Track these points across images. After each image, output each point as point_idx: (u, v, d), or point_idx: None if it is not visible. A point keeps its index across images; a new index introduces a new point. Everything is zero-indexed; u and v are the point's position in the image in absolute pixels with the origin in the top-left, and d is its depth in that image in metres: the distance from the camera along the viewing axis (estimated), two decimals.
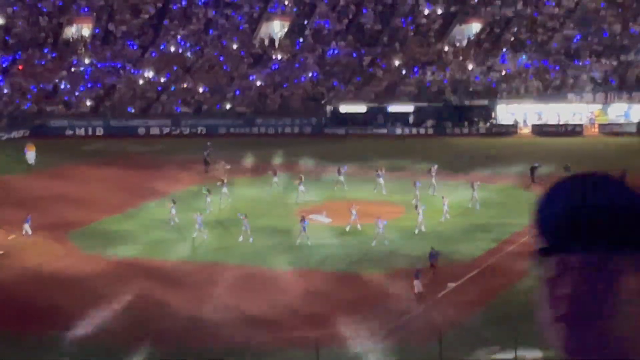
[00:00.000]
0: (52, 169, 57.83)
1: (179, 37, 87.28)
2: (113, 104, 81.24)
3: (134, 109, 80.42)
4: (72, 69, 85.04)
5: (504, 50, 79.74)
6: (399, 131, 73.33)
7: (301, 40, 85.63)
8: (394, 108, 75.08)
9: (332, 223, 42.50)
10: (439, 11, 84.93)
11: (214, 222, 43.00)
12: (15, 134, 74.52)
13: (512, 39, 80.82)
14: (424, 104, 74.89)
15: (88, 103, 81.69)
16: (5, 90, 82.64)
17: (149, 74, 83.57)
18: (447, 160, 55.57)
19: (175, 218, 42.74)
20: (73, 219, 44.20)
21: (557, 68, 76.72)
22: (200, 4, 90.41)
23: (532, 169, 50.00)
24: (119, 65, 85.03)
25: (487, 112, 74.14)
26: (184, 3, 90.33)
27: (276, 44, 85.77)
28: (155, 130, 76.55)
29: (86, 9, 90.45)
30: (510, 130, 72.11)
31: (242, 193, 48.77)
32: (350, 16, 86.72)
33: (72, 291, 33.60)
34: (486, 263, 35.70)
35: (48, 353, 28.16)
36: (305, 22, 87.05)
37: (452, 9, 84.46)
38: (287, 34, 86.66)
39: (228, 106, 79.66)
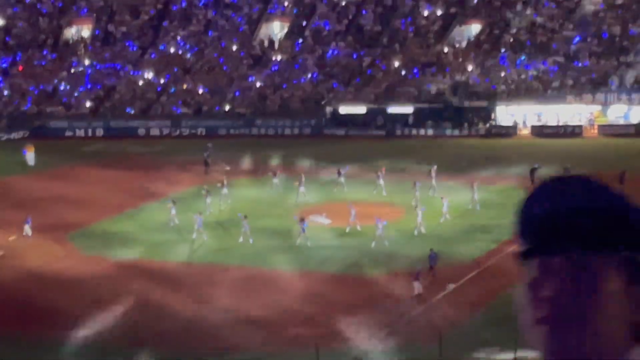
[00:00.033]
0: (52, 170, 57.85)
1: (178, 38, 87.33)
2: (113, 105, 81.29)
3: (134, 110, 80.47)
4: (72, 70, 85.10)
5: (504, 51, 79.78)
6: (398, 132, 73.36)
7: (301, 41, 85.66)
8: (393, 109, 75.11)
9: (332, 224, 42.51)
10: (439, 12, 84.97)
11: (214, 223, 43.01)
12: (15, 135, 74.56)
13: (512, 40, 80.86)
14: (424, 105, 74.93)
15: (88, 104, 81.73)
16: (5, 91, 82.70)
17: (149, 75, 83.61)
18: (447, 161, 55.59)
19: (175, 219, 42.75)
20: (73, 220, 44.21)
21: (556, 69, 76.77)
22: (200, 5, 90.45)
23: (532, 170, 49.99)
24: (118, 66, 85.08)
25: (486, 114, 74.17)
26: (183, 4, 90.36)
27: (276, 45, 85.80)
28: (155, 131, 76.60)
29: (86, 10, 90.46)
30: (509, 131, 72.13)
31: (242, 194, 48.78)
32: (350, 17, 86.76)
33: (72, 292, 33.60)
34: (486, 264, 35.71)
35: (48, 354, 28.17)
36: (305, 23, 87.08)
37: (452, 10, 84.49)
38: (286, 35, 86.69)
39: (228, 107, 79.70)
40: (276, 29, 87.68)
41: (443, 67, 79.32)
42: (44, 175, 56.04)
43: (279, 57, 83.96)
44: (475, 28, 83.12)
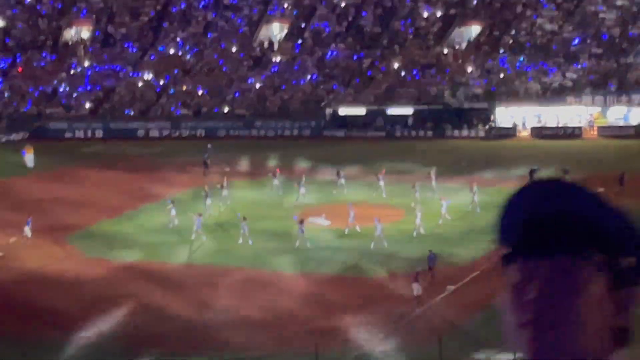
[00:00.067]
0: (51, 172, 57.84)
1: (178, 39, 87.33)
2: (112, 106, 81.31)
3: (133, 111, 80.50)
4: (72, 72, 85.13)
5: (503, 52, 79.80)
6: (398, 134, 73.38)
7: (300, 42, 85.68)
8: (393, 111, 75.12)
9: (331, 225, 42.50)
10: (439, 14, 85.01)
11: (214, 225, 43.00)
12: (14, 136, 74.56)
13: (511, 41, 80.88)
14: (423, 107, 74.96)
15: (87, 105, 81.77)
16: (5, 93, 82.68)
17: (149, 76, 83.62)
18: (447, 163, 55.60)
19: (174, 220, 42.75)
20: (72, 221, 44.20)
21: (556, 70, 76.78)
22: (199, 6, 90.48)
23: (531, 172, 49.98)
24: (118, 68, 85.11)
25: (486, 115, 74.16)
26: (183, 5, 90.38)
27: (275, 46, 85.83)
28: (154, 133, 76.62)
29: (85, 12, 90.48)
30: (509, 133, 72.13)
31: (241, 195, 48.78)
32: (350, 19, 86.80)
33: (72, 293, 33.58)
34: (485, 265, 35.68)
35: (48, 354, 28.15)
36: (305, 24, 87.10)
37: (452, 11, 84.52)
38: (286, 36, 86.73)
39: (227, 108, 79.71)
40: (276, 30, 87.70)
41: (443, 68, 79.36)
42: (44, 176, 56.03)
43: (278, 59, 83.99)
44: (475, 29, 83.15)
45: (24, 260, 38.16)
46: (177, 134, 76.40)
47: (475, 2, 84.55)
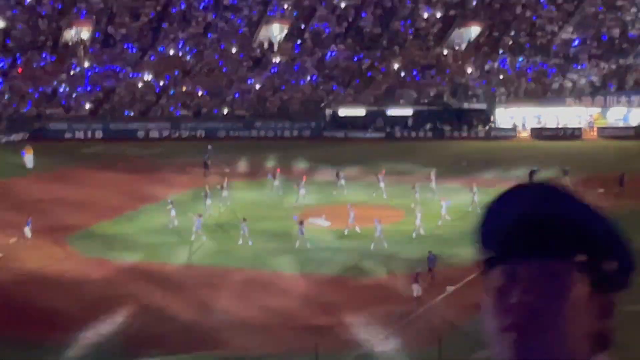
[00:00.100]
0: (51, 172, 57.83)
1: (178, 40, 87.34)
2: (112, 107, 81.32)
3: (133, 112, 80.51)
4: (72, 72, 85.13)
5: (503, 53, 79.83)
6: (398, 134, 73.41)
7: (300, 43, 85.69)
8: (393, 111, 75.17)
9: (331, 226, 42.51)
10: (438, 15, 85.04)
11: (214, 226, 43.00)
12: (14, 137, 74.55)
13: (511, 42, 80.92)
14: (423, 108, 75.01)
15: (87, 106, 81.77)
16: (5, 93, 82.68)
17: (148, 77, 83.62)
18: (447, 164, 55.62)
19: (174, 221, 42.75)
20: (72, 222, 44.18)
21: (555, 71, 76.81)
22: (199, 7, 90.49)
23: (531, 173, 50.00)
24: (118, 68, 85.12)
25: (486, 116, 74.22)
26: (183, 6, 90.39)
27: (275, 47, 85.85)
28: (154, 134, 76.64)
29: (85, 12, 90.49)
30: (509, 133, 72.17)
31: (241, 196, 48.77)
32: (350, 19, 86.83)
33: (71, 294, 33.56)
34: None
35: (47, 355, 28.14)
36: (305, 25, 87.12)
37: (451, 12, 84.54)
38: (286, 37, 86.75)
39: (227, 109, 79.73)
40: (276, 31, 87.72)
41: (442, 69, 79.39)
42: (43, 177, 56.02)
43: (278, 59, 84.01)
44: (474, 30, 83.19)
45: (23, 261, 38.14)
46: (177, 134, 76.42)
47: (475, 3, 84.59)
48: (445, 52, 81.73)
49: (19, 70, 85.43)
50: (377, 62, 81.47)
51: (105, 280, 35.40)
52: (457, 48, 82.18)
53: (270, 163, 57.58)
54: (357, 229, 40.76)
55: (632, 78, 74.19)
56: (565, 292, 1.68)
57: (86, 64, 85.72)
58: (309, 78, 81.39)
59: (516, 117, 74.01)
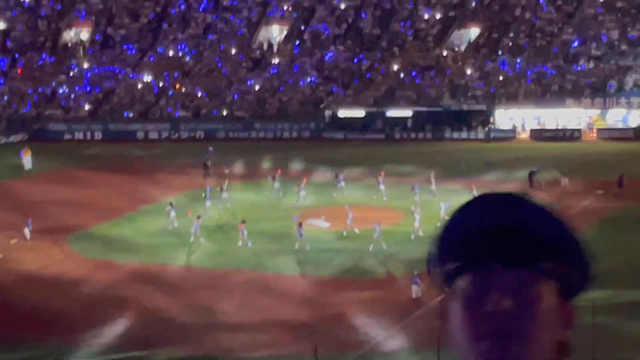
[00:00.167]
0: (50, 173, 57.80)
1: (178, 41, 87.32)
2: (112, 108, 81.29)
3: (133, 113, 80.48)
4: (71, 73, 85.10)
5: (502, 54, 79.83)
6: (397, 136, 73.41)
7: (300, 44, 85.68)
8: (392, 113, 75.16)
9: (330, 227, 42.50)
10: (438, 16, 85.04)
11: (214, 227, 42.96)
12: (13, 138, 74.51)
13: (511, 43, 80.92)
14: (423, 109, 74.98)
15: (87, 107, 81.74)
16: (4, 94, 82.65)
17: (148, 78, 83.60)
18: (446, 165, 55.61)
19: (174, 222, 42.71)
20: (71, 223, 44.16)
21: (555, 73, 76.81)
22: (199, 8, 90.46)
23: (531, 174, 50.01)
24: (117, 70, 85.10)
25: (485, 117, 74.22)
26: (182, 7, 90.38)
27: (275, 48, 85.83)
28: (153, 135, 76.61)
29: (85, 13, 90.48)
30: (508, 135, 72.18)
31: (241, 197, 48.75)
32: (349, 21, 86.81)
33: (71, 295, 33.55)
34: None
35: (47, 356, 28.13)
36: (304, 26, 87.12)
37: (451, 13, 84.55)
38: (285, 38, 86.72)
39: (226, 110, 79.71)
40: (275, 32, 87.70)
41: (442, 70, 79.38)
42: (43, 178, 55.98)
43: (278, 61, 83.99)
44: (474, 31, 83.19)
45: (23, 262, 38.12)
46: (177, 135, 76.41)
47: (474, 5, 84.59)
48: (444, 53, 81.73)
49: (19, 71, 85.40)
50: (376, 63, 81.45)
51: (104, 281, 35.37)
52: (456, 49, 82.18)
53: (269, 164, 57.57)
54: (356, 230, 40.76)
55: (631, 79, 74.20)
56: (538, 300, 1.69)
57: (85, 65, 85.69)
58: (308, 79, 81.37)
59: (516, 119, 74.02)
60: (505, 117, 74.43)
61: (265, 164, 57.93)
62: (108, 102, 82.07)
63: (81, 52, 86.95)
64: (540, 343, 1.68)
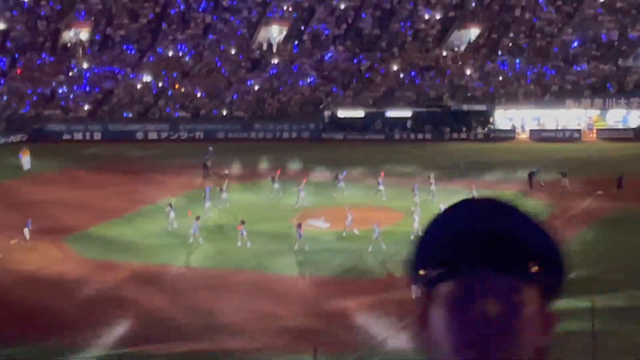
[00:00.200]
0: (50, 173, 57.78)
1: (177, 41, 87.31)
2: (111, 108, 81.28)
3: (132, 113, 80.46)
4: (70, 73, 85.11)
5: (502, 55, 79.83)
6: (397, 136, 73.39)
7: (299, 44, 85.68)
8: (392, 113, 75.14)
9: (330, 228, 42.47)
10: (438, 16, 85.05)
11: (213, 227, 42.95)
12: (12, 138, 74.50)
13: (511, 44, 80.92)
14: (422, 109, 74.97)
15: (86, 107, 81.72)
16: (4, 94, 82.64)
17: (147, 78, 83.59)
18: (446, 165, 55.59)
19: (173, 223, 42.68)
20: (71, 223, 44.13)
21: (555, 73, 76.80)
22: (198, 8, 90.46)
23: (530, 175, 49.99)
24: (117, 70, 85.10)
25: (485, 118, 74.20)
26: (182, 7, 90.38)
27: (274, 48, 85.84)
28: (153, 135, 76.60)
29: (84, 14, 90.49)
30: (508, 135, 72.17)
31: (240, 198, 48.73)
32: (349, 21, 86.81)
33: (70, 295, 33.52)
34: None
35: (47, 356, 28.10)
36: (304, 26, 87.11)
37: (451, 14, 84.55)
38: (285, 38, 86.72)
39: (226, 111, 79.69)
40: (275, 32, 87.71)
41: (442, 71, 79.37)
42: (41, 178, 55.95)
43: (277, 61, 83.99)
44: (474, 32, 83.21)
45: (22, 262, 38.10)
46: (176, 136, 76.40)
47: (474, 5, 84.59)
48: (444, 53, 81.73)
49: (18, 71, 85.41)
50: (376, 63, 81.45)
51: (104, 281, 35.35)
52: (456, 50, 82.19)
53: (269, 165, 57.54)
54: (356, 231, 40.73)
55: (631, 80, 74.20)
56: (522, 306, 1.69)
57: (85, 65, 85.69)
58: (308, 79, 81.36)
59: (515, 119, 74.02)
60: (504, 118, 74.43)
61: (265, 165, 57.91)
62: (107, 102, 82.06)
63: (80, 52, 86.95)
64: (523, 348, 1.68)
